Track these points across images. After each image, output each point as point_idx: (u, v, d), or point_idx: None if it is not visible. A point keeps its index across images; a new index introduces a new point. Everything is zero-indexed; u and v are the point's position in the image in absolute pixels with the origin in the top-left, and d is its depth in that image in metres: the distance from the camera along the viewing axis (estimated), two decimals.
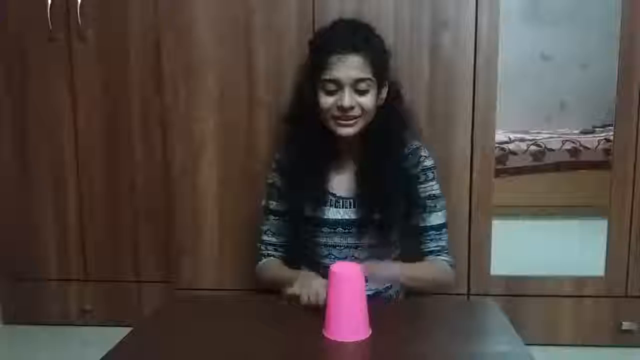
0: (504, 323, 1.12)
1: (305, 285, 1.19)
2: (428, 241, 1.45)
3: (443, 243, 1.45)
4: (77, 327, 2.17)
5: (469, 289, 1.93)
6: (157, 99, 1.99)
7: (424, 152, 1.46)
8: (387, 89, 1.42)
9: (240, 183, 1.92)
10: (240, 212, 1.92)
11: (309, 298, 1.17)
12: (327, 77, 1.33)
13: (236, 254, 1.95)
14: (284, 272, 1.43)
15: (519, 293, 1.94)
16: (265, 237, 1.52)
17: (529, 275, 1.95)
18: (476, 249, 1.90)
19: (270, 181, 1.52)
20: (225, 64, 1.87)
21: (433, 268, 1.43)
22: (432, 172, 1.45)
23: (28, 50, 2.06)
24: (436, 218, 1.45)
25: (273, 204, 1.50)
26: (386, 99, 1.42)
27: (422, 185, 1.44)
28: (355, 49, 1.32)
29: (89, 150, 2.10)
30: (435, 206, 1.45)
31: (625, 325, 1.92)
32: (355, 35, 1.36)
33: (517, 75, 2.14)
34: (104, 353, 0.98)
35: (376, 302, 1.38)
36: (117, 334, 1.06)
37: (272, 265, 1.48)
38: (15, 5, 2.04)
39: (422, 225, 1.45)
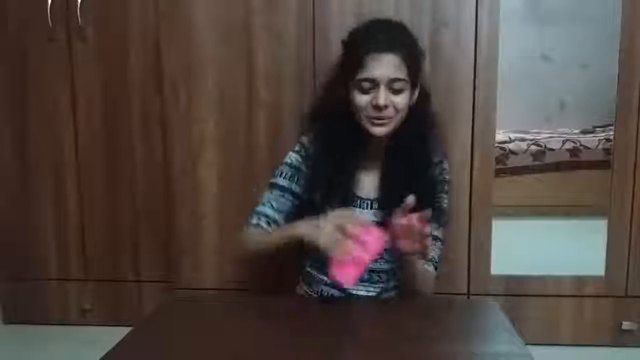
0: (504, 323, 1.12)
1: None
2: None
3: (435, 255, 1.44)
4: (77, 327, 2.17)
5: (469, 289, 1.93)
6: (157, 99, 1.99)
7: (446, 165, 1.47)
8: (418, 90, 1.42)
9: (239, 183, 1.92)
10: (240, 212, 1.91)
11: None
12: (363, 76, 1.32)
13: (236, 254, 1.95)
14: (285, 228, 1.36)
15: (519, 293, 1.94)
16: (260, 208, 1.42)
17: (529, 275, 1.95)
18: (476, 248, 1.90)
19: (288, 160, 1.44)
20: (225, 64, 1.87)
21: (427, 277, 1.42)
22: (447, 186, 1.46)
23: (28, 50, 2.06)
24: (435, 230, 1.44)
25: (282, 180, 1.43)
26: (417, 101, 1.41)
27: (437, 195, 1.44)
28: (391, 49, 1.32)
29: (89, 150, 2.10)
30: (439, 219, 1.44)
31: (626, 325, 1.92)
32: (392, 35, 1.36)
33: (517, 75, 2.14)
34: (104, 353, 0.98)
35: (377, 302, 1.38)
36: (117, 334, 1.05)
37: (263, 233, 1.40)
38: (15, 5, 2.04)
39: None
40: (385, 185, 1.42)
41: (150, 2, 1.96)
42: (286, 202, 1.42)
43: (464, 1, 1.79)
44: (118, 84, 2.05)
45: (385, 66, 1.31)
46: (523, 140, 2.29)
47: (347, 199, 1.41)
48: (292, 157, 1.44)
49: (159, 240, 2.10)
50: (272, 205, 1.42)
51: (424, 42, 1.80)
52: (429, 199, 1.41)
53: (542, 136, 2.32)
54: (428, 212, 1.17)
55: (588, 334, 1.95)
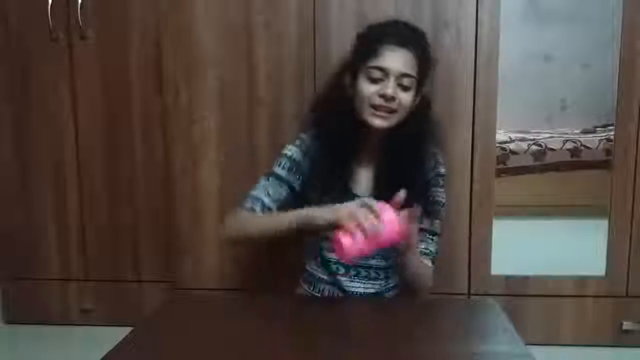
0: (504, 323, 1.12)
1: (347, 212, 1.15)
2: (419, 242, 1.41)
3: (432, 249, 1.44)
4: (77, 327, 2.17)
5: (469, 289, 1.93)
6: (157, 99, 2.00)
7: (440, 159, 1.46)
8: (421, 95, 1.42)
9: (240, 183, 1.91)
10: None
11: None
12: (376, 64, 1.32)
13: (236, 254, 1.95)
14: (285, 213, 1.32)
15: (519, 293, 1.94)
16: (256, 193, 1.40)
17: (529, 275, 1.95)
18: (476, 248, 1.90)
19: (287, 152, 1.43)
20: (225, 64, 1.87)
21: (425, 271, 1.41)
22: (443, 180, 1.46)
23: (29, 50, 2.06)
24: (436, 225, 1.44)
25: (282, 171, 1.41)
26: (418, 106, 1.41)
27: (433, 189, 1.44)
28: (408, 45, 1.34)
29: (89, 150, 2.10)
30: (437, 213, 1.44)
31: (626, 325, 1.92)
32: (412, 35, 1.38)
33: (517, 75, 2.14)
34: (104, 353, 0.98)
35: (377, 301, 1.38)
36: (117, 334, 1.05)
37: (258, 215, 1.37)
38: (15, 5, 2.04)
39: (421, 226, 1.41)
40: (380, 182, 1.42)
41: (150, 2, 1.96)
42: (282, 192, 1.41)
43: (465, 1, 1.79)
44: (118, 84, 2.05)
45: (399, 59, 1.32)
46: (523, 140, 2.29)
47: (344, 194, 1.41)
48: (292, 149, 1.43)
49: (159, 240, 2.10)
50: (268, 192, 1.40)
51: None
52: (424, 194, 1.41)
53: (543, 136, 2.32)
54: (416, 209, 1.18)
55: (588, 334, 1.95)
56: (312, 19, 1.82)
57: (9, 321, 2.22)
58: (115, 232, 2.13)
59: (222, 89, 1.88)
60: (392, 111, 1.34)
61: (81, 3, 1.99)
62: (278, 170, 1.42)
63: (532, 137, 2.31)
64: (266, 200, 1.39)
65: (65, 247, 2.16)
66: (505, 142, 2.22)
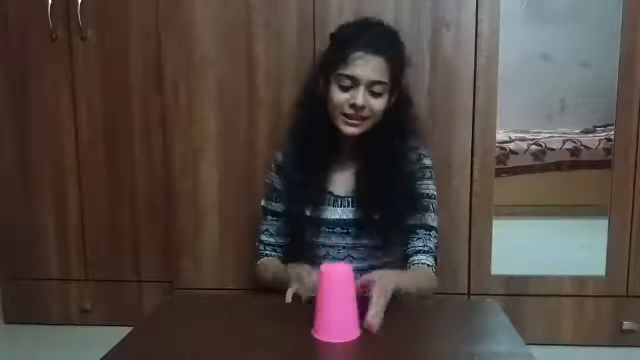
0: (505, 323, 1.12)
1: (301, 284, 1.22)
2: (415, 240, 1.41)
3: (431, 245, 1.41)
4: (77, 327, 2.17)
5: (469, 289, 1.93)
6: (157, 99, 2.00)
7: (424, 151, 1.45)
8: (398, 95, 1.41)
9: (240, 183, 1.92)
10: (240, 212, 1.92)
11: (308, 297, 1.18)
12: (346, 72, 1.32)
13: (236, 254, 1.95)
14: (281, 271, 1.42)
15: (519, 293, 1.94)
16: (263, 237, 1.52)
17: (529, 275, 1.95)
18: (476, 249, 1.90)
19: (268, 181, 1.51)
20: (225, 64, 1.87)
21: (421, 277, 1.37)
22: (430, 172, 1.44)
23: (29, 50, 2.06)
24: (429, 219, 1.42)
25: (272, 205, 1.50)
26: (396, 103, 1.41)
27: (419, 183, 1.42)
28: (378, 51, 1.31)
29: (89, 150, 2.10)
30: (429, 207, 1.42)
31: (626, 325, 1.92)
32: (382, 38, 1.35)
33: (517, 75, 2.14)
34: (104, 353, 0.98)
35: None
36: (117, 334, 1.05)
37: (269, 265, 1.48)
38: (15, 5, 2.04)
39: (412, 223, 1.41)
40: (361, 182, 1.42)
41: (150, 2, 1.96)
42: (281, 224, 1.49)
43: (465, 1, 1.79)
44: (119, 84, 2.05)
45: (369, 68, 1.31)
46: (524, 140, 2.29)
47: (322, 199, 1.42)
48: (270, 176, 1.51)
49: (159, 240, 2.10)
50: (270, 232, 1.51)
51: (425, 42, 1.81)
52: (409, 189, 1.40)
53: (543, 136, 2.32)
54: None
55: (589, 334, 1.95)
56: (312, 17, 1.82)
57: (9, 321, 2.22)
58: (115, 232, 2.13)
59: (222, 89, 1.88)
60: (363, 119, 1.34)
61: (81, 3, 1.99)
62: (269, 206, 1.51)
63: (532, 137, 2.31)
64: (272, 240, 1.52)
65: (65, 247, 2.16)
66: (505, 142, 2.22)
